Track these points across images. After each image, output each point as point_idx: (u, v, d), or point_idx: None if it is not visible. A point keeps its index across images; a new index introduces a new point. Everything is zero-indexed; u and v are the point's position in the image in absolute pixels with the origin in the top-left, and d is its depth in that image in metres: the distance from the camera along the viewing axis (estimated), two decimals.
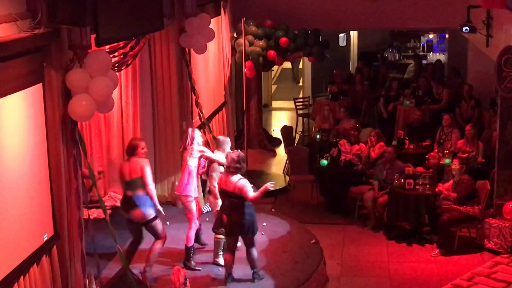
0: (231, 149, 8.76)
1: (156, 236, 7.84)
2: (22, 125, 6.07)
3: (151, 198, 7.72)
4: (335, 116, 14.03)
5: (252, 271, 8.19)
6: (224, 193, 8.08)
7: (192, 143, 8.52)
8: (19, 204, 6.04)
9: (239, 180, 7.89)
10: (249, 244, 8.14)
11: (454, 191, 9.91)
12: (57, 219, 6.65)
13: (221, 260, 8.48)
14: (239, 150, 8.37)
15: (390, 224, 10.55)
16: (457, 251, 9.80)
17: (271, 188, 7.98)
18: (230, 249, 8.17)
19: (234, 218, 7.95)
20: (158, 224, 7.80)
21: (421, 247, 10.07)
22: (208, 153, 8.61)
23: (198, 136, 8.59)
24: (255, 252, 8.18)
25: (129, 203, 7.71)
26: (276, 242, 9.33)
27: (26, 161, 6.14)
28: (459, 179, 9.94)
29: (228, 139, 8.91)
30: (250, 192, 7.87)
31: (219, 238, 8.55)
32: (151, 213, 7.70)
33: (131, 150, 7.82)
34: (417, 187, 10.24)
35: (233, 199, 7.92)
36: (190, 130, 8.67)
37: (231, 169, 7.95)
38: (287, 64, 19.50)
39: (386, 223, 10.62)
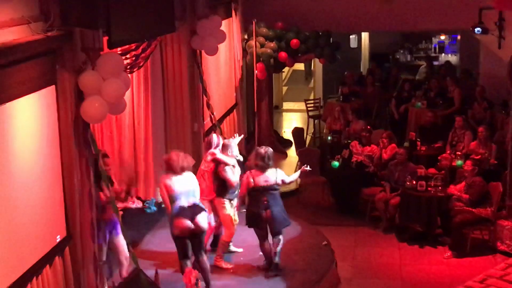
0: (240, 150, 8.91)
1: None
2: (35, 126, 6.11)
3: None
4: (346, 117, 14.02)
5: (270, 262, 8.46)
6: (260, 189, 8.27)
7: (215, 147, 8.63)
8: (32, 205, 6.07)
9: (277, 172, 8.39)
10: (276, 234, 8.44)
11: (466, 193, 9.87)
12: (69, 220, 6.68)
13: (222, 263, 8.51)
14: (268, 148, 8.57)
15: (402, 226, 10.52)
16: (470, 253, 9.76)
17: (308, 169, 8.67)
18: (263, 239, 8.46)
19: (276, 210, 8.32)
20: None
21: (433, 249, 10.04)
22: (219, 155, 8.65)
23: (218, 139, 8.75)
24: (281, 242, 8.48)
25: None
26: (287, 244, 9.29)
27: (39, 162, 6.17)
28: (471, 181, 9.89)
29: (231, 143, 8.88)
30: (289, 177, 8.58)
31: (225, 241, 8.57)
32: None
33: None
34: (429, 188, 10.21)
35: (273, 192, 8.32)
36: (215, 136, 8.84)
37: (263, 165, 8.32)
38: (298, 66, 19.50)
39: (398, 225, 10.59)
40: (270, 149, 8.46)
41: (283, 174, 8.51)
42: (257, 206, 8.33)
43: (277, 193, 8.41)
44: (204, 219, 7.78)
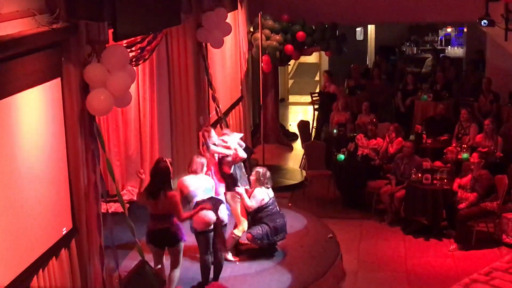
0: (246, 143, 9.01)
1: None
2: (40, 119, 6.12)
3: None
4: (352, 110, 14.00)
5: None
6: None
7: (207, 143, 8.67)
8: (39, 198, 6.09)
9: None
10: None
11: (472, 187, 9.83)
12: (75, 213, 6.70)
13: (229, 256, 8.55)
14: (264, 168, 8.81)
15: (407, 219, 10.51)
16: (475, 246, 9.75)
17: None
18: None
19: None
20: None
21: (438, 242, 10.03)
22: (219, 150, 8.68)
23: (214, 136, 8.76)
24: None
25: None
26: (293, 237, 9.32)
27: (44, 155, 6.19)
28: (477, 174, 9.87)
29: (233, 135, 9.06)
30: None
31: (235, 235, 8.61)
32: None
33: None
34: (435, 181, 10.19)
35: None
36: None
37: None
38: (304, 59, 19.48)
39: (403, 218, 10.58)
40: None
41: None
42: None
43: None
44: (225, 212, 7.84)
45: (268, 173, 8.69)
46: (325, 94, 15.08)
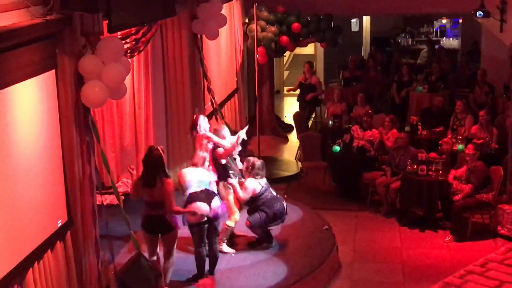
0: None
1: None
2: (35, 111, 6.09)
3: None
4: (347, 102, 13.99)
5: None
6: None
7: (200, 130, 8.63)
8: (33, 190, 6.08)
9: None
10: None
11: (467, 178, 9.84)
12: (70, 205, 6.68)
13: (224, 247, 8.55)
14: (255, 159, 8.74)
15: (403, 210, 10.52)
16: (470, 237, 9.77)
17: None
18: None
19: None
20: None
21: (434, 233, 10.05)
22: (214, 138, 8.67)
23: (204, 122, 8.72)
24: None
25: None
26: (288, 228, 9.33)
27: (39, 147, 6.17)
28: (472, 166, 9.87)
29: (223, 126, 9.15)
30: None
31: (228, 226, 8.60)
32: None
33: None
34: (430, 173, 10.20)
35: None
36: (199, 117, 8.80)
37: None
38: (300, 50, 19.47)
39: (399, 209, 10.60)
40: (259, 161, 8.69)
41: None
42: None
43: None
44: (218, 204, 7.84)
45: (258, 164, 8.61)
46: (305, 85, 14.97)
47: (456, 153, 11.07)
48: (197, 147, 8.61)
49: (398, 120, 12.15)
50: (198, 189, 7.79)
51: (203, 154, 8.16)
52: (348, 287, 8.61)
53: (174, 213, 7.36)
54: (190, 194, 7.75)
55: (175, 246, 7.56)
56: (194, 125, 8.74)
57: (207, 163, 8.16)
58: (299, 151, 13.05)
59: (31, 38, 5.84)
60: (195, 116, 8.99)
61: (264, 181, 8.65)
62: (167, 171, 7.54)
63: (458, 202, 9.75)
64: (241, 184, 8.58)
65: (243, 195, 8.48)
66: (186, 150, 10.37)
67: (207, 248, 7.87)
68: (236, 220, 8.69)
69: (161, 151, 7.36)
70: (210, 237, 7.85)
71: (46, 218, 6.31)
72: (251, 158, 8.73)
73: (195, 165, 8.03)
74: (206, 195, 7.76)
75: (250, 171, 8.57)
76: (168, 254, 7.53)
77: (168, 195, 7.22)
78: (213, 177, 8.19)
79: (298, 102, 15.40)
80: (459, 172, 10.01)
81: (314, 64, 16.78)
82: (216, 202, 7.81)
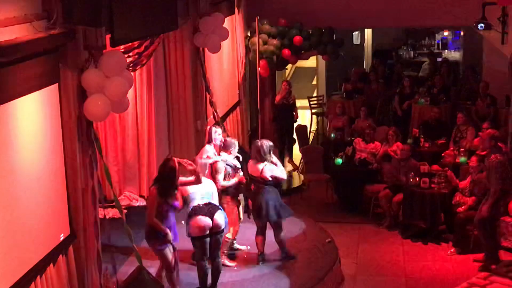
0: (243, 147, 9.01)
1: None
2: (38, 125, 6.10)
3: None
4: (349, 114, 14.00)
5: (281, 251, 8.75)
6: (251, 178, 8.58)
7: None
8: (36, 204, 6.07)
9: (264, 167, 8.46)
10: (275, 227, 8.63)
11: (471, 190, 9.81)
12: (73, 218, 6.67)
13: (226, 261, 8.55)
14: (265, 141, 8.67)
15: (405, 223, 10.51)
16: (473, 249, 9.74)
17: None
18: (259, 231, 8.70)
19: (256, 202, 8.55)
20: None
21: (437, 246, 10.03)
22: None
23: (216, 135, 8.77)
24: (282, 234, 8.68)
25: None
26: (291, 241, 9.31)
27: (42, 161, 6.17)
28: (476, 178, 9.85)
29: (235, 142, 8.90)
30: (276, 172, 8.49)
31: (228, 239, 8.59)
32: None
33: None
34: (433, 185, 10.20)
35: (258, 184, 8.47)
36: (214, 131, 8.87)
37: (257, 158, 8.53)
38: (301, 63, 19.51)
39: (401, 221, 10.58)
40: (267, 144, 8.59)
41: (270, 169, 8.51)
42: (249, 193, 8.74)
43: (268, 187, 8.51)
44: (221, 217, 7.79)
45: (269, 144, 8.60)
46: (282, 107, 14.04)
47: (459, 166, 11.05)
48: (197, 157, 8.60)
49: (400, 132, 12.15)
50: (201, 202, 7.78)
51: (204, 161, 8.09)
52: None
53: (151, 224, 7.29)
54: (193, 207, 7.74)
55: (169, 259, 7.41)
56: (210, 138, 8.79)
57: (206, 170, 8.08)
58: (301, 164, 13.05)
59: (34, 52, 5.85)
60: (208, 127, 8.98)
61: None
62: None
63: (461, 214, 9.73)
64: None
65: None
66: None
67: (211, 261, 7.85)
68: (236, 232, 8.68)
69: (175, 163, 7.32)
70: (213, 251, 7.83)
71: (49, 231, 6.30)
72: (259, 142, 8.71)
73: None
74: (209, 209, 7.74)
75: (261, 155, 8.55)
76: (163, 265, 7.52)
77: (150, 204, 7.24)
78: (214, 188, 8.16)
79: (276, 125, 14.21)
80: (463, 184, 10.00)
81: (316, 76, 16.77)
82: (219, 215, 7.79)
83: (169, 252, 7.36)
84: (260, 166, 8.52)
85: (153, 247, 7.42)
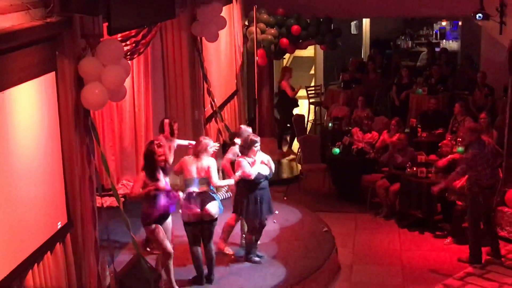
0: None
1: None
2: (35, 113, 6.10)
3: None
4: (350, 104, 13.98)
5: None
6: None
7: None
8: (33, 192, 6.08)
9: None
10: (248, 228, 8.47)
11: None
12: (70, 207, 6.69)
13: (225, 248, 8.66)
14: (252, 135, 8.45)
15: (402, 212, 10.53)
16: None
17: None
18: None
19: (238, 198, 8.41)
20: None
21: (433, 235, 10.05)
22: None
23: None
24: (250, 237, 8.44)
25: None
26: (288, 230, 9.34)
27: (39, 149, 6.17)
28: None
29: (249, 129, 8.93)
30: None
31: (231, 225, 8.68)
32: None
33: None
34: (430, 175, 10.21)
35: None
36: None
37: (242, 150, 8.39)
38: (299, 52, 19.51)
39: (398, 211, 10.60)
40: (251, 138, 8.31)
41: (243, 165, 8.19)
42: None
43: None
44: (214, 207, 7.76)
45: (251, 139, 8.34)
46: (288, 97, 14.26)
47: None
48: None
49: None
50: (197, 189, 7.77)
51: (206, 141, 7.95)
52: None
53: (131, 196, 7.43)
54: (188, 193, 7.72)
55: (161, 241, 7.41)
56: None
57: (210, 150, 7.96)
58: (298, 153, 13.06)
59: (31, 40, 5.85)
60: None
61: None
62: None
63: (459, 205, 9.71)
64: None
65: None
66: (186, 152, 10.37)
67: (204, 249, 7.90)
68: (237, 218, 8.69)
69: (154, 147, 7.34)
70: (204, 239, 7.86)
71: (46, 220, 6.31)
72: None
73: (197, 153, 7.87)
74: (202, 198, 7.71)
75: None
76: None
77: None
78: (214, 168, 7.89)
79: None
80: (459, 184, 9.88)
81: (314, 66, 16.79)
82: (212, 205, 7.74)
83: (160, 232, 7.36)
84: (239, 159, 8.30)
85: (144, 229, 7.50)
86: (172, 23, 9.86)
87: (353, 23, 19.38)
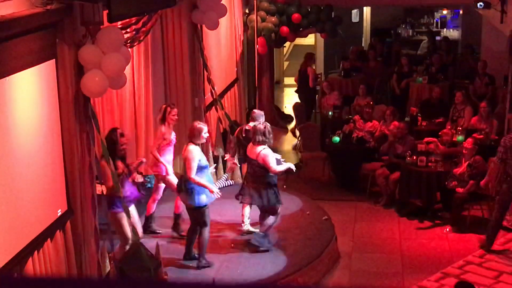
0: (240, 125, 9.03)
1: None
2: (35, 101, 6.10)
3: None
4: (347, 93, 13.97)
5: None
6: (248, 160, 8.47)
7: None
8: (33, 179, 6.09)
9: (262, 150, 8.21)
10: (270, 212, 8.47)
11: (470, 174, 9.80)
12: (70, 194, 6.69)
13: (250, 227, 8.91)
14: (266, 123, 8.57)
15: (402, 201, 10.54)
16: (469, 228, 9.79)
17: (294, 170, 8.58)
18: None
19: (255, 187, 8.31)
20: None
21: (433, 224, 10.07)
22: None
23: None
24: (271, 220, 8.44)
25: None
26: (288, 219, 9.36)
27: (39, 137, 6.17)
28: (473, 160, 9.80)
29: (262, 112, 9.30)
30: (273, 164, 8.17)
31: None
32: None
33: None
34: (430, 164, 10.21)
35: (256, 168, 8.28)
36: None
37: (257, 140, 8.30)
38: (300, 41, 19.50)
39: (398, 200, 10.62)
40: (269, 126, 8.50)
41: (268, 157, 8.22)
42: (245, 176, 8.74)
43: (260, 171, 8.25)
44: (188, 197, 7.95)
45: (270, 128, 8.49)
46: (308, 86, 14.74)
47: (456, 144, 11.03)
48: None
49: (398, 111, 12.14)
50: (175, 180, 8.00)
51: (200, 125, 8.06)
52: (347, 278, 8.63)
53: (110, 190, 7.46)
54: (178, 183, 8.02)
55: (122, 228, 7.45)
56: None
57: (204, 135, 8.04)
58: (298, 142, 13.06)
59: (31, 27, 5.83)
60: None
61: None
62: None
63: (459, 194, 9.72)
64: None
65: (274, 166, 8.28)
66: (186, 139, 10.36)
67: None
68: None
69: (116, 135, 7.45)
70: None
71: (46, 207, 6.32)
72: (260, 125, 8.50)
73: (191, 138, 8.04)
74: (186, 188, 7.88)
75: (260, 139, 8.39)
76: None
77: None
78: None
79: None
80: (458, 171, 9.92)
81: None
82: (184, 196, 7.91)
83: (123, 218, 7.35)
84: (259, 148, 8.29)
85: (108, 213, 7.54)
86: (173, 11, 9.83)
87: (354, 12, 19.32)
